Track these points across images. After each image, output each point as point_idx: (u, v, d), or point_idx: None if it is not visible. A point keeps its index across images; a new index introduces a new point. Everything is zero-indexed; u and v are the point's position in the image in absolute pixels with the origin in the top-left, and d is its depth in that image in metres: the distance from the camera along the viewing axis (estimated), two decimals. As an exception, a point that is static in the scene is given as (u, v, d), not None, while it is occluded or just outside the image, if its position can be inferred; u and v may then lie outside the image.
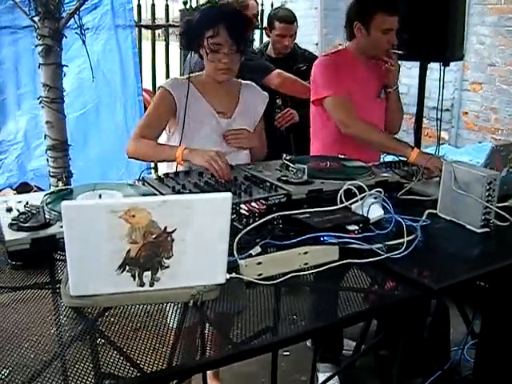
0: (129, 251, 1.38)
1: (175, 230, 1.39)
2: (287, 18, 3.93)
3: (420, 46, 3.27)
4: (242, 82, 2.72)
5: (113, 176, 4.80)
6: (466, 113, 6.19)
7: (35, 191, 4.43)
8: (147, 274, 1.43)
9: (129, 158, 2.55)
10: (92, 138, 5.25)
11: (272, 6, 6.07)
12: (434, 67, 3.69)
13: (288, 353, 3.43)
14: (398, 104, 3.20)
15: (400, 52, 3.00)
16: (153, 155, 2.51)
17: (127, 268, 1.40)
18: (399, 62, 3.09)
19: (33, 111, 4.90)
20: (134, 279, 1.42)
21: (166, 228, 1.38)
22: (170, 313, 1.50)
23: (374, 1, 2.93)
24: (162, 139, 2.64)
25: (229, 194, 1.42)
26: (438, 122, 3.67)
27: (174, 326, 1.47)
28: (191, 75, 2.58)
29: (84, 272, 1.39)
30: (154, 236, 1.38)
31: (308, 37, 7.68)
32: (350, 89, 2.90)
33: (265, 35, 4.40)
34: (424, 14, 3.24)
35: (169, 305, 1.52)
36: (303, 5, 7.81)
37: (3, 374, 1.23)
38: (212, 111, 2.56)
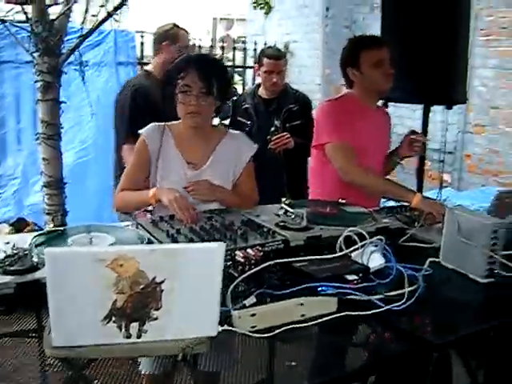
0: (115, 301, 1.32)
1: (164, 280, 1.33)
2: (275, 55, 3.98)
3: (424, 89, 3.25)
4: (229, 131, 2.65)
5: (109, 213, 4.74)
6: (469, 155, 6.14)
7: (30, 229, 4.37)
8: (134, 326, 1.36)
9: (117, 211, 2.58)
10: (91, 173, 5.22)
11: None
12: (436, 109, 3.67)
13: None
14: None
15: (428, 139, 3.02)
16: (131, 203, 2.50)
17: (113, 319, 1.34)
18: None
19: (32, 147, 4.87)
20: (121, 330, 1.35)
21: (154, 278, 1.32)
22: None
23: (356, 42, 2.96)
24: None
25: (221, 244, 1.35)
26: (441, 164, 3.62)
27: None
28: (170, 123, 2.54)
29: (67, 322, 1.33)
30: (142, 286, 1.32)
31: (311, 77, 7.71)
32: (355, 134, 2.84)
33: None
34: (427, 58, 3.23)
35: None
36: (306, 45, 7.87)
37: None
38: (182, 161, 2.49)
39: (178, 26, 3.56)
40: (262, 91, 4.07)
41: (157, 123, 2.52)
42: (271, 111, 3.99)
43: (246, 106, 4.07)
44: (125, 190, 2.50)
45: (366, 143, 2.88)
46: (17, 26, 3.47)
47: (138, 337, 1.37)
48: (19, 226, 4.71)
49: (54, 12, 3.52)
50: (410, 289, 1.78)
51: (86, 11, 3.32)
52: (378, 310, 1.68)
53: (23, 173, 5.22)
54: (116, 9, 3.35)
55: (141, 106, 3.38)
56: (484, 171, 5.98)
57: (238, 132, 2.69)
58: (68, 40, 3.60)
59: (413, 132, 3.06)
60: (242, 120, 4.07)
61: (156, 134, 2.48)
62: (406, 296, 1.74)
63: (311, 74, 7.71)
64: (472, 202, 4.80)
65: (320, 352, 1.64)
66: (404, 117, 6.47)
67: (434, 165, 6.01)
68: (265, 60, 3.96)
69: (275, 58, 3.96)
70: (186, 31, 3.64)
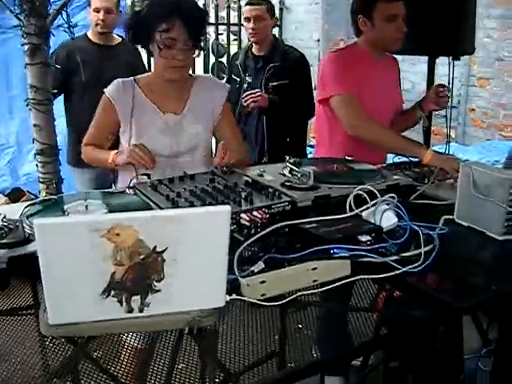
0: (114, 274, 1.22)
1: (166, 249, 1.22)
2: (249, 2, 3.94)
3: (429, 40, 3.11)
4: (196, 75, 2.57)
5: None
6: (473, 109, 6.01)
7: (26, 199, 4.27)
8: (136, 299, 1.26)
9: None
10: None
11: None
12: (439, 62, 3.53)
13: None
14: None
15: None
16: (94, 160, 2.51)
17: (113, 293, 1.24)
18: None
19: (24, 114, 4.73)
20: (121, 305, 1.26)
21: (155, 247, 1.22)
22: None
23: None
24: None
25: (227, 207, 1.24)
26: (447, 119, 3.49)
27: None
28: (138, 76, 2.47)
29: (63, 298, 1.23)
30: (141, 256, 1.22)
31: (309, 33, 7.53)
32: (361, 86, 2.70)
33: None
34: (433, 8, 3.09)
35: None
36: (305, 0, 7.64)
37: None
38: (157, 112, 2.40)
39: None
40: (254, 47, 3.99)
41: (122, 79, 2.42)
42: (258, 68, 3.91)
43: (237, 62, 4.03)
44: (89, 145, 2.48)
45: (374, 94, 2.75)
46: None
47: (141, 311, 1.28)
48: (15, 196, 4.62)
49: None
50: (427, 249, 1.69)
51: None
52: (394, 273, 1.58)
53: (17, 141, 5.09)
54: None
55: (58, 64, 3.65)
56: (489, 125, 5.86)
57: (205, 75, 2.68)
58: (54, 1, 3.45)
59: (439, 85, 2.93)
60: (234, 77, 4.04)
61: (125, 95, 2.37)
62: (422, 257, 1.65)
63: (309, 30, 7.52)
64: (479, 156, 4.70)
65: (333, 320, 1.54)
66: (405, 71, 6.33)
67: (436, 120, 5.88)
68: (245, 8, 3.98)
69: (250, 3, 3.91)
70: None
